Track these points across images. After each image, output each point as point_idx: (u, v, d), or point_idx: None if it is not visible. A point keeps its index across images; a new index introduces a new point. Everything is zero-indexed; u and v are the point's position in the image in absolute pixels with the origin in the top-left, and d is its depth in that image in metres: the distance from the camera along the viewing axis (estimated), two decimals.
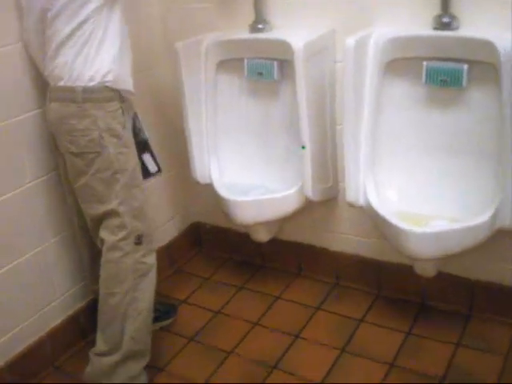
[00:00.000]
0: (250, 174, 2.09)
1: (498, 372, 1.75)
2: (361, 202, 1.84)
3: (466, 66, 1.66)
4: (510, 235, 1.79)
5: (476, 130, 1.76)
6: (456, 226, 1.69)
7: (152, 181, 2.26)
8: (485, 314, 1.98)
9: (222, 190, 1.97)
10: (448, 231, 1.68)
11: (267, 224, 2.05)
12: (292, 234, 2.28)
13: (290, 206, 1.96)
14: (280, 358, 1.90)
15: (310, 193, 1.92)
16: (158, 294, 1.93)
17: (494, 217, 1.65)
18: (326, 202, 2.10)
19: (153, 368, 1.90)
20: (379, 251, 2.11)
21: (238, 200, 1.94)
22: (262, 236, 2.11)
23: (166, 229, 2.41)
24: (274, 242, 2.21)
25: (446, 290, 2.04)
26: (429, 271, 1.87)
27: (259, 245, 2.24)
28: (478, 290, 1.99)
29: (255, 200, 1.94)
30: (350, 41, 1.64)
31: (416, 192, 1.84)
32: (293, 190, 1.92)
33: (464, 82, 1.68)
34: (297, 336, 1.99)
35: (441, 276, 1.96)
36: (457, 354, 1.85)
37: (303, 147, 1.87)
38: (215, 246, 2.50)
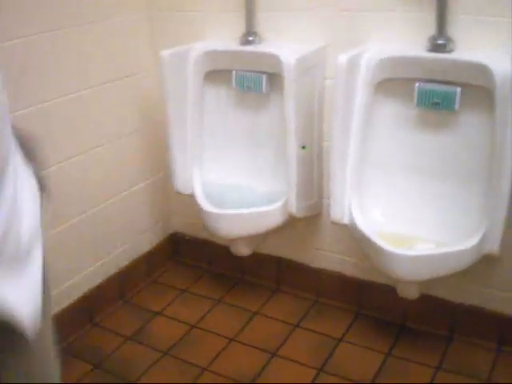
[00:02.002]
0: (235, 187, 2.05)
1: None
2: (345, 220, 1.81)
3: (459, 89, 1.65)
4: (494, 260, 1.78)
5: (466, 155, 1.74)
6: (441, 249, 1.67)
7: (132, 188, 2.24)
8: (466, 338, 1.96)
9: (205, 203, 1.93)
10: (433, 255, 1.66)
11: (249, 238, 2.01)
12: (273, 249, 2.25)
13: (274, 221, 1.93)
14: (256, 377, 1.86)
15: (294, 209, 1.89)
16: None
17: (481, 242, 1.64)
18: (309, 217, 2.07)
19: (123, 382, 1.85)
20: (362, 270, 2.08)
21: (220, 213, 1.90)
22: (243, 250, 2.07)
23: (143, 238, 2.36)
24: (254, 255, 2.17)
25: (428, 312, 2.02)
26: (411, 294, 1.85)
27: (239, 258, 2.19)
28: (460, 314, 1.97)
29: (238, 214, 1.90)
30: (342, 58, 1.62)
31: (402, 213, 1.82)
32: (277, 205, 1.89)
33: (456, 106, 1.67)
34: (274, 354, 1.95)
35: (423, 298, 1.94)
36: (437, 377, 1.82)
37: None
38: (194, 258, 2.45)
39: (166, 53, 1.90)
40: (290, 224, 2.05)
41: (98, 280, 2.15)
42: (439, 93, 1.67)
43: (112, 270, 2.21)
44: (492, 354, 1.89)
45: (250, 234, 1.97)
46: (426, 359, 1.89)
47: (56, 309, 2.00)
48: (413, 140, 1.79)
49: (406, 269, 1.66)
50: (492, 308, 1.92)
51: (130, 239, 2.28)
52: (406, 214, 1.81)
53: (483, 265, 1.78)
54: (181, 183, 2.05)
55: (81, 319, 2.09)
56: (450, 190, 1.76)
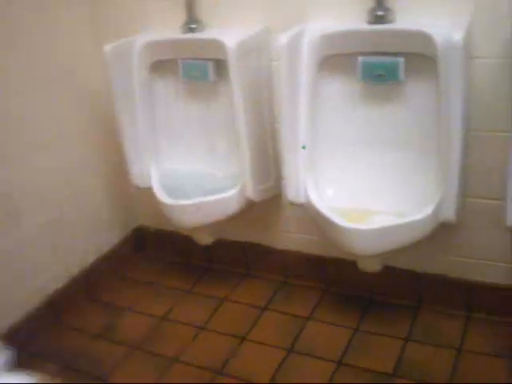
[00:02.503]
0: (191, 176, 2.04)
1: (452, 366, 1.74)
2: (301, 199, 1.82)
3: (402, 60, 1.65)
4: (455, 228, 1.81)
5: (415, 124, 1.75)
6: (397, 221, 1.67)
7: (91, 184, 2.22)
8: (434, 307, 1.98)
9: (161, 194, 1.92)
10: (389, 227, 1.65)
11: (209, 226, 2.01)
12: (237, 234, 2.25)
13: (231, 208, 1.92)
14: (226, 362, 1.86)
15: (251, 193, 1.89)
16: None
17: (437, 211, 1.65)
18: (270, 199, 2.07)
19: (94, 379, 1.84)
20: (325, 248, 2.09)
21: (175, 204, 1.88)
22: (205, 238, 2.07)
23: (107, 235, 2.35)
24: (219, 243, 2.17)
25: (394, 284, 2.04)
26: (373, 267, 1.86)
27: (205, 247, 2.20)
28: (426, 283, 1.99)
29: (194, 203, 1.89)
30: (283, 38, 1.61)
31: (357, 188, 1.82)
32: (232, 192, 1.88)
33: (401, 76, 1.67)
34: (243, 338, 1.96)
35: (387, 270, 1.96)
36: (407, 348, 1.84)
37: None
38: (160, 250, 2.45)
39: (108, 47, 1.87)
40: (252, 208, 2.05)
41: (62, 281, 2.14)
42: (383, 65, 1.67)
43: (76, 270, 2.19)
44: (462, 322, 1.91)
45: (210, 223, 1.96)
46: (394, 331, 1.91)
47: (21, 312, 2.00)
48: (362, 114, 1.79)
49: (363, 243, 1.66)
50: (458, 275, 1.94)
51: (93, 237, 2.27)
52: (361, 188, 1.81)
53: (445, 233, 1.81)
54: (137, 177, 2.04)
55: (48, 321, 2.08)
56: (403, 161, 1.76)
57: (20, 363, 1.92)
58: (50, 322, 2.09)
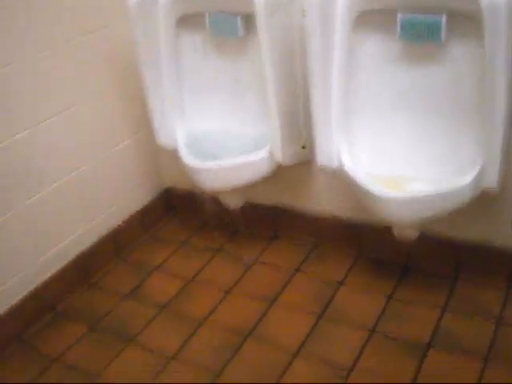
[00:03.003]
0: (219, 136, 1.98)
1: (490, 338, 1.67)
2: (334, 165, 1.74)
3: (444, 18, 1.52)
4: (498, 195, 1.69)
5: (456, 88, 1.63)
6: (434, 189, 1.59)
7: (119, 143, 2.18)
8: (473, 277, 1.89)
9: (187, 156, 1.86)
10: (427, 195, 1.58)
11: (237, 189, 1.95)
12: (268, 198, 2.19)
13: (260, 171, 1.86)
14: (255, 326, 1.83)
15: (280, 157, 1.82)
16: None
17: (478, 178, 1.56)
18: (303, 163, 1.99)
19: (122, 338, 1.85)
20: (359, 213, 2.01)
21: (202, 167, 1.83)
22: (234, 202, 2.02)
23: (137, 195, 2.31)
24: (249, 205, 2.13)
25: (431, 252, 1.95)
26: (409, 235, 1.79)
27: (235, 209, 2.15)
28: (465, 252, 1.91)
29: (220, 166, 1.83)
30: None
31: (393, 154, 1.72)
32: (262, 155, 1.81)
33: (443, 36, 1.54)
34: (273, 302, 1.92)
35: (424, 237, 1.88)
36: (444, 318, 1.77)
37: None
38: (190, 211, 2.40)
39: (133, 2, 1.79)
40: (283, 171, 1.99)
41: (91, 240, 2.13)
42: (423, 23, 1.54)
43: (105, 230, 2.18)
44: (502, 293, 1.82)
45: (236, 187, 1.90)
46: (431, 301, 1.84)
47: (50, 271, 2.00)
48: (398, 76, 1.67)
49: (399, 212, 1.59)
50: (499, 244, 1.84)
51: (122, 198, 2.24)
52: (397, 154, 1.72)
53: (487, 200, 1.71)
54: (163, 137, 1.98)
55: (76, 281, 2.08)
56: (442, 125, 1.66)
57: (51, 322, 1.98)
58: (79, 281, 2.10)
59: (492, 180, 1.57)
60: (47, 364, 1.79)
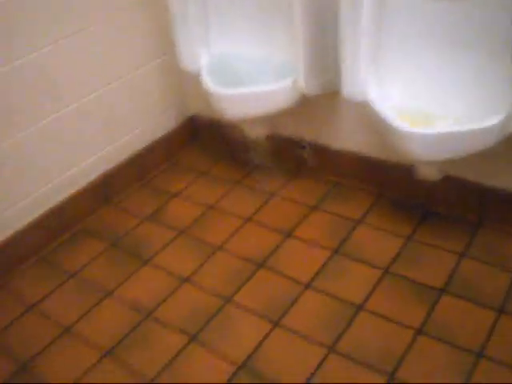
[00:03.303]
0: (243, 62, 1.91)
1: (506, 290, 1.63)
2: (360, 97, 1.68)
3: None
4: None
5: (490, 23, 1.52)
6: (460, 127, 1.52)
7: (144, 67, 2.14)
8: (497, 225, 1.84)
9: (209, 81, 1.82)
10: (450, 133, 1.52)
11: (260, 120, 1.90)
12: (292, 130, 2.14)
13: (283, 101, 1.80)
14: (268, 256, 1.84)
15: (303, 86, 1.76)
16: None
17: (507, 119, 1.48)
18: (328, 95, 1.93)
19: (139, 258, 1.88)
20: (383, 150, 1.96)
21: (224, 93, 1.79)
22: (257, 132, 1.98)
23: (161, 121, 2.30)
24: (272, 137, 2.09)
25: (455, 196, 1.90)
26: (432, 175, 1.74)
27: (260, 140, 2.12)
28: (490, 197, 1.84)
29: (244, 94, 1.78)
30: None
31: (421, 89, 1.65)
32: (285, 84, 1.75)
33: None
34: (289, 235, 1.92)
35: (449, 180, 1.84)
36: (461, 264, 1.73)
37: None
38: (213, 141, 2.39)
39: None
40: (308, 103, 1.93)
41: (114, 162, 2.14)
42: None
43: (128, 153, 2.18)
44: None
45: (258, 116, 1.85)
46: (450, 245, 1.80)
47: (73, 189, 2.03)
48: (431, 8, 1.57)
49: (421, 148, 1.54)
50: None
51: (147, 122, 2.23)
52: (425, 90, 1.65)
53: None
54: (187, 61, 1.94)
55: (98, 200, 2.11)
56: (474, 61, 1.57)
57: (72, 238, 2.02)
58: (102, 201, 2.13)
59: None
60: (65, 278, 1.85)
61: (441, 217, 1.91)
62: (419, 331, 1.55)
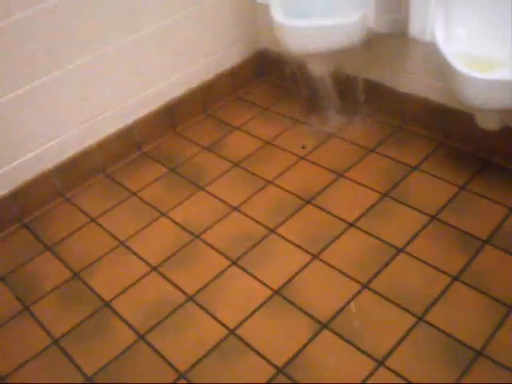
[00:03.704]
0: None
1: None
2: (427, 37, 1.63)
3: None
4: None
5: None
6: None
7: None
8: None
9: (276, 12, 1.80)
10: (510, 81, 1.46)
11: (325, 56, 1.89)
12: (358, 70, 2.11)
13: (350, 37, 1.77)
14: (317, 194, 1.87)
15: (372, 23, 1.72)
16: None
17: None
18: (397, 37, 1.88)
19: (193, 186, 1.97)
20: (448, 97, 1.90)
21: (288, 24, 1.77)
22: (321, 69, 1.97)
23: (229, 52, 2.32)
24: (338, 75, 2.07)
25: None
26: (491, 124, 1.69)
27: (325, 77, 2.10)
28: None
29: (308, 26, 1.75)
30: None
31: (488, 35, 1.59)
32: (353, 19, 1.72)
33: None
34: (341, 175, 1.93)
35: (511, 131, 1.78)
36: (510, 218, 1.69)
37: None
38: (280, 76, 2.39)
39: None
40: (377, 43, 1.89)
41: (180, 90, 2.21)
42: None
43: (195, 82, 2.24)
44: None
45: (323, 51, 1.83)
46: (503, 198, 1.76)
47: (141, 113, 2.13)
48: None
49: (478, 94, 1.49)
50: None
51: (215, 52, 2.26)
52: (492, 36, 1.58)
53: None
54: None
55: (163, 127, 2.20)
56: None
57: (135, 160, 2.13)
58: (168, 128, 2.22)
59: None
60: (125, 197, 1.98)
61: (499, 169, 1.86)
62: (456, 278, 1.55)
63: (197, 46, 2.19)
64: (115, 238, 1.83)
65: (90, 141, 2.01)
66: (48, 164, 1.94)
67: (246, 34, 2.36)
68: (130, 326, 1.55)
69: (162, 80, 2.13)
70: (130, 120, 2.10)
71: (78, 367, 1.48)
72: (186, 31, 2.12)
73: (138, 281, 1.68)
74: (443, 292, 1.52)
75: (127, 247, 1.79)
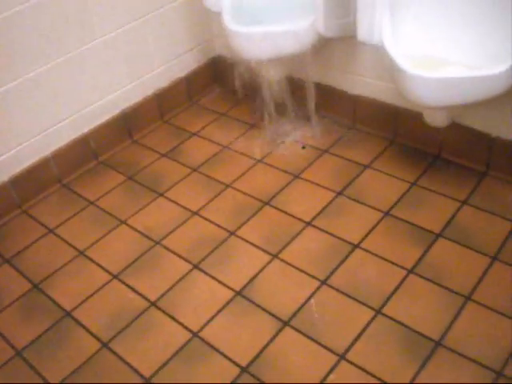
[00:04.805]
0: (266, 3, 1.93)
1: (503, 238, 1.66)
2: (375, 40, 1.69)
3: None
4: None
5: None
6: (468, 73, 1.53)
7: (170, 5, 2.18)
8: (502, 175, 1.85)
9: (227, 19, 1.84)
10: (456, 78, 1.52)
11: (278, 62, 1.93)
12: (309, 75, 2.13)
13: (300, 43, 1.82)
14: (275, 195, 1.91)
15: (322, 28, 1.78)
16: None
17: None
18: (345, 40, 1.94)
19: (152, 192, 1.98)
20: (397, 97, 1.97)
21: (240, 31, 1.81)
22: (274, 74, 2.01)
23: (184, 60, 2.34)
24: (290, 80, 2.12)
25: (463, 144, 1.91)
26: (439, 121, 1.76)
27: (277, 82, 2.15)
28: (498, 148, 1.85)
29: (259, 33, 1.79)
30: None
31: (435, 35, 1.66)
32: (303, 25, 1.77)
33: None
34: (297, 176, 1.98)
35: (458, 128, 1.86)
36: (462, 211, 1.77)
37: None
38: (235, 83, 2.38)
39: None
40: (327, 48, 1.95)
41: (136, 98, 2.21)
42: None
43: (151, 90, 2.26)
44: None
45: (273, 57, 1.87)
46: (453, 192, 1.83)
47: (97, 121, 2.12)
48: None
49: (426, 92, 1.55)
50: None
51: (170, 60, 2.28)
52: (439, 37, 1.65)
53: None
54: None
55: (120, 135, 2.21)
56: (485, 8, 1.56)
57: (93, 169, 2.13)
58: (124, 135, 2.22)
59: None
60: (83, 206, 1.97)
61: (448, 165, 1.94)
62: (411, 271, 1.61)
63: (151, 53, 2.20)
64: (74, 247, 1.82)
65: (46, 151, 2.00)
66: (3, 176, 1.92)
67: (201, 41, 2.38)
68: (92, 335, 1.56)
69: (117, 88, 2.13)
70: (85, 129, 2.09)
71: (42, 377, 1.47)
72: (140, 40, 2.14)
73: (99, 289, 1.68)
74: (399, 285, 1.57)
75: (87, 256, 1.78)
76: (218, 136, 2.21)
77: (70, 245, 1.83)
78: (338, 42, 1.98)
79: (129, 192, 2.01)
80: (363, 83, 2.06)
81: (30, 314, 1.63)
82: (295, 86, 2.18)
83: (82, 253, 1.80)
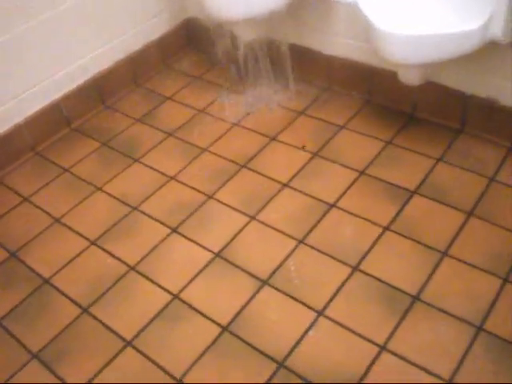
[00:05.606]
0: None
1: (479, 194, 1.69)
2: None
3: None
4: (508, 49, 1.63)
5: None
6: (440, 30, 1.53)
7: None
8: (476, 133, 1.87)
9: None
10: (430, 35, 1.53)
11: (253, 21, 1.90)
12: (284, 36, 2.13)
13: (274, 1, 1.79)
14: (251, 158, 1.91)
15: None
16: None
17: (484, 27, 1.50)
18: (320, 1, 1.92)
19: (128, 158, 1.96)
20: (372, 57, 1.96)
21: None
22: (247, 35, 1.98)
23: (156, 23, 2.30)
24: (265, 42, 2.09)
25: (438, 102, 1.92)
26: (412, 79, 1.75)
27: (249, 45, 2.12)
28: (472, 106, 1.86)
29: None
30: None
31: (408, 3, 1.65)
32: None
33: None
34: (273, 138, 1.97)
35: (432, 86, 1.86)
36: (437, 169, 1.79)
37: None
38: (209, 45, 2.38)
39: None
40: (301, 8, 1.92)
41: (107, 63, 2.17)
42: None
43: (122, 54, 2.21)
44: (503, 153, 1.80)
45: (248, 17, 1.83)
46: (428, 150, 1.85)
47: (68, 87, 2.08)
48: None
49: (398, 49, 1.56)
50: (506, 103, 1.79)
51: (141, 23, 2.23)
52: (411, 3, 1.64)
53: (498, 56, 1.66)
54: None
55: (93, 100, 2.17)
56: None
57: (66, 136, 2.10)
58: (96, 101, 2.19)
59: (497, 30, 1.52)
60: (58, 174, 1.95)
61: (424, 123, 1.95)
62: (387, 228, 1.63)
63: (122, 16, 2.15)
64: (50, 215, 1.80)
65: (17, 119, 1.96)
66: None
67: (173, 3, 2.33)
68: (72, 301, 1.55)
69: (87, 53, 2.09)
70: (56, 96, 2.05)
71: (22, 345, 1.47)
72: (110, 2, 2.08)
73: (76, 256, 1.67)
74: (376, 242, 1.60)
75: (63, 224, 1.77)
76: (193, 100, 2.19)
77: (46, 212, 1.82)
78: (314, 1, 1.95)
79: (104, 158, 1.99)
80: (338, 43, 2.04)
81: (8, 283, 1.63)
82: (270, 48, 2.16)
83: (58, 220, 1.79)
